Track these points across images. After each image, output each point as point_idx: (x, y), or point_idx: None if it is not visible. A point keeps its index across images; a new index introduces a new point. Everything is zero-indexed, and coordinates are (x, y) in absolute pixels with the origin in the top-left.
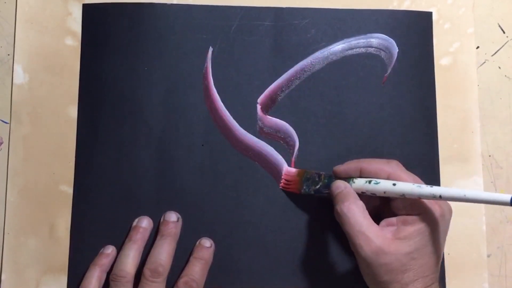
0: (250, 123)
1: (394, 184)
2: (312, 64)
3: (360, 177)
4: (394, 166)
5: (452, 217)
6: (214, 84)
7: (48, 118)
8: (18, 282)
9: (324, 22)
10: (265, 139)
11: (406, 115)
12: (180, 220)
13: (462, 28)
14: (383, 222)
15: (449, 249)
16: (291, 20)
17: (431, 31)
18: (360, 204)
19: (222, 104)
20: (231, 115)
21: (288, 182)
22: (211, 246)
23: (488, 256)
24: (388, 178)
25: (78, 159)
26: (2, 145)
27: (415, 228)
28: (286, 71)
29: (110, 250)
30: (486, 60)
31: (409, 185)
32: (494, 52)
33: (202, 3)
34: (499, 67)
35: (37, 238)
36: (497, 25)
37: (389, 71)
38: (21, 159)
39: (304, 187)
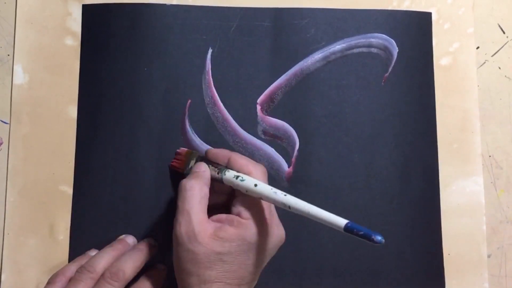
0: (250, 123)
1: (255, 185)
2: (312, 64)
3: (232, 169)
4: (258, 169)
5: (452, 217)
6: (214, 85)
7: (48, 118)
8: (18, 282)
9: (323, 22)
10: (265, 139)
11: (406, 115)
12: (157, 247)
13: (462, 28)
14: (214, 217)
15: (449, 249)
16: (291, 20)
17: (431, 31)
18: (204, 192)
19: (222, 104)
20: (231, 115)
21: (177, 161)
22: (164, 269)
23: (488, 256)
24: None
25: (77, 159)
26: (2, 145)
27: (236, 232)
28: (285, 71)
29: (94, 253)
30: (486, 60)
31: (267, 189)
32: (494, 52)
33: (201, 3)
34: (499, 67)
35: (37, 238)
36: (497, 25)
37: (389, 71)
38: (21, 159)
39: (187, 168)
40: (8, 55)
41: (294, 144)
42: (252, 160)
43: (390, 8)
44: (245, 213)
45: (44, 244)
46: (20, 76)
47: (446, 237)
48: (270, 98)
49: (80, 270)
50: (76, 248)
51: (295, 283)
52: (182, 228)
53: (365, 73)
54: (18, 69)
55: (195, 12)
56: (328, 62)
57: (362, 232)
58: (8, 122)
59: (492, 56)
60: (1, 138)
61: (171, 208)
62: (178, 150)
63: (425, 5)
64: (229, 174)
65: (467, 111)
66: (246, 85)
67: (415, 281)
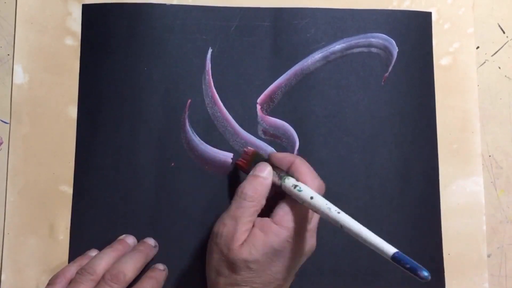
0: (250, 123)
1: (311, 197)
2: (311, 64)
3: (293, 174)
4: (316, 182)
5: (452, 217)
6: (214, 85)
7: (48, 118)
8: (18, 282)
9: (323, 22)
10: (265, 139)
11: (405, 115)
12: (157, 248)
13: (462, 28)
14: (258, 219)
15: (449, 249)
16: (291, 20)
17: (431, 31)
18: (261, 204)
19: (222, 104)
20: (231, 115)
21: (243, 161)
22: (164, 270)
23: (488, 256)
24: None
25: (78, 159)
26: (2, 145)
27: (265, 239)
28: (285, 71)
29: (94, 253)
30: (486, 60)
31: (322, 203)
32: (494, 52)
33: (201, 3)
34: (499, 67)
35: (37, 238)
36: (497, 25)
37: (388, 71)
38: (21, 159)
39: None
40: (8, 55)
41: (294, 144)
42: (313, 171)
43: (390, 8)
44: (281, 218)
45: (44, 244)
46: (20, 76)
47: (446, 237)
48: (270, 98)
49: (80, 272)
50: (76, 248)
51: (295, 283)
52: (224, 229)
53: (365, 73)
54: (18, 69)
55: (195, 12)
56: (328, 62)
57: (408, 266)
58: (8, 122)
59: (492, 56)
60: (1, 138)
61: (171, 208)
62: (245, 149)
63: (425, 5)
64: (288, 182)
65: (467, 111)
66: (246, 85)
67: (415, 281)
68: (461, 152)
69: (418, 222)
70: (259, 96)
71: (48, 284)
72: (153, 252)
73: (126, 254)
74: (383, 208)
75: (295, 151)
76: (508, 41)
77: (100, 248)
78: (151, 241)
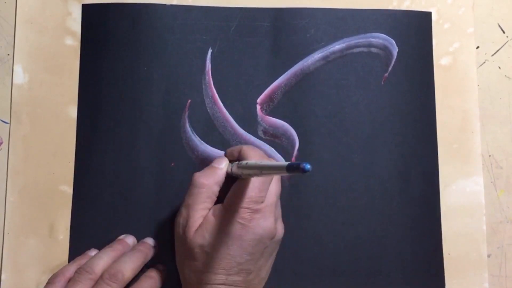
0: (250, 123)
1: (246, 163)
2: (311, 64)
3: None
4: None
5: (452, 217)
6: (214, 85)
7: (48, 118)
8: (18, 282)
9: (323, 22)
10: (265, 139)
11: (405, 115)
12: (156, 248)
13: (462, 28)
14: (214, 206)
15: (449, 249)
16: (291, 20)
17: (431, 31)
18: (213, 190)
19: (222, 104)
20: (231, 115)
21: None
22: (163, 270)
23: (488, 256)
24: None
25: (77, 159)
26: (2, 145)
27: (216, 222)
28: (285, 71)
29: (93, 253)
30: (486, 60)
31: (252, 162)
32: (494, 52)
33: (201, 4)
34: (499, 67)
35: (37, 238)
36: (497, 25)
37: (388, 71)
38: (21, 159)
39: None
40: (8, 55)
41: (294, 143)
42: (262, 154)
43: (390, 8)
44: (229, 200)
45: (44, 244)
46: (20, 76)
47: (446, 237)
48: (270, 98)
49: (79, 271)
50: (76, 248)
51: (295, 283)
52: (180, 218)
53: (365, 73)
54: (18, 69)
55: (195, 12)
56: (328, 62)
57: (295, 165)
58: (8, 122)
59: (492, 56)
60: (1, 138)
61: (171, 208)
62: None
63: (425, 5)
64: (233, 164)
65: (467, 111)
66: (246, 85)
67: (415, 281)
68: (461, 152)
69: (418, 222)
70: (259, 96)
71: (47, 283)
72: (152, 252)
73: (125, 254)
74: (383, 208)
75: (295, 151)
76: (508, 41)
77: (100, 248)
78: (150, 241)
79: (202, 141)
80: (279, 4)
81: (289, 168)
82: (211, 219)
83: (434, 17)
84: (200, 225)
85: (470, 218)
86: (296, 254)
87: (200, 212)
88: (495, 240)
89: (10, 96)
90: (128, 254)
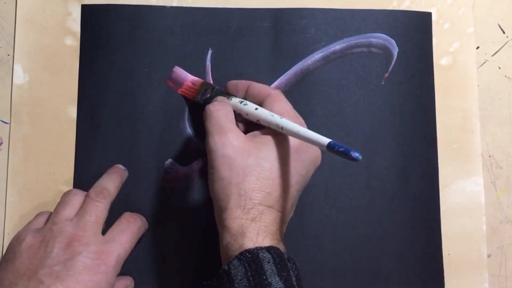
0: None
1: (256, 109)
2: (312, 64)
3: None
4: (276, 93)
5: (452, 217)
6: None
7: (48, 118)
8: None
9: (323, 22)
10: None
11: (405, 115)
12: (126, 171)
13: (462, 28)
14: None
15: (449, 249)
16: (291, 20)
17: (431, 31)
18: (231, 113)
19: None
20: None
21: (189, 89)
22: (143, 221)
23: (488, 256)
24: (262, 102)
25: (77, 159)
26: (2, 145)
27: (273, 138)
28: (285, 71)
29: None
30: (486, 60)
31: (265, 112)
32: (494, 52)
33: (201, 5)
34: (499, 67)
35: None
36: (497, 25)
37: (388, 71)
38: (21, 159)
39: (198, 96)
40: (8, 55)
41: None
42: (267, 87)
43: (390, 8)
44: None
45: None
46: (20, 76)
47: (446, 237)
48: None
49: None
50: None
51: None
52: (215, 138)
53: (365, 73)
54: (18, 69)
55: (194, 14)
56: (328, 62)
57: (342, 149)
58: (8, 122)
59: (492, 56)
60: (1, 138)
61: (171, 208)
62: (191, 80)
63: (425, 5)
64: (235, 100)
65: (467, 111)
66: None
67: (415, 281)
68: (461, 152)
69: (418, 222)
70: None
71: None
72: (125, 174)
73: (103, 176)
74: (383, 208)
75: None
76: (508, 41)
77: None
78: (120, 165)
79: (202, 142)
80: (279, 4)
81: (331, 147)
82: (265, 134)
83: (434, 17)
84: (250, 138)
85: (470, 218)
86: (296, 254)
87: (232, 126)
88: (495, 240)
89: (10, 96)
90: (104, 175)
